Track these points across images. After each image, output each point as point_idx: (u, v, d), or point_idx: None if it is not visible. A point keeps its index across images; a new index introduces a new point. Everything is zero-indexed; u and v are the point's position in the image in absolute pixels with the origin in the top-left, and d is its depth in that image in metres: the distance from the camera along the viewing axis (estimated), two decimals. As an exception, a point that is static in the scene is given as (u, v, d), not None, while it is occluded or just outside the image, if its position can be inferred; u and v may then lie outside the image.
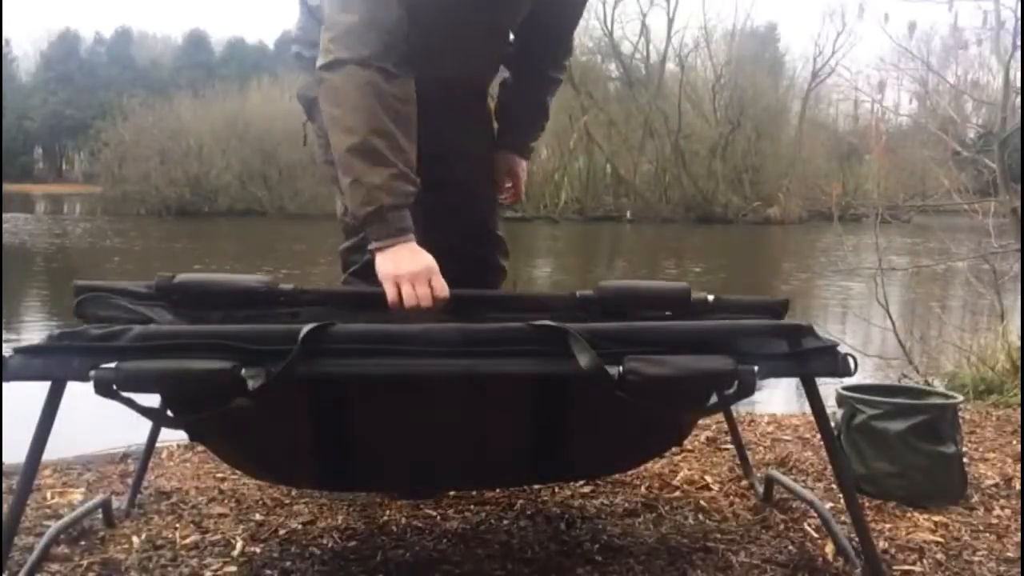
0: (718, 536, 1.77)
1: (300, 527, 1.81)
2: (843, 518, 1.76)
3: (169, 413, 1.42)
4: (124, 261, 14.47)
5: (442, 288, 1.52)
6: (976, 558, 1.70)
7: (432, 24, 1.61)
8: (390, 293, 1.50)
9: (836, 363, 1.31)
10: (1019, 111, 4.13)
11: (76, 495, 2.02)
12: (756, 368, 1.28)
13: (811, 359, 1.32)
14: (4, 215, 20.30)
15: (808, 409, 1.50)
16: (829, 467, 2.10)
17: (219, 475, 2.14)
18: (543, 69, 1.98)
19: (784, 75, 34.33)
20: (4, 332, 6.75)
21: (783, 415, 2.86)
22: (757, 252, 18.90)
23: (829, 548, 1.69)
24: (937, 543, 1.76)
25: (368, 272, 1.62)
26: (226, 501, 1.96)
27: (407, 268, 1.50)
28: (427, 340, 1.27)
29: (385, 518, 1.86)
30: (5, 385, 1.25)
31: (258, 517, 1.87)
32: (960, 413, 2.24)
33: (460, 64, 1.77)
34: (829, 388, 2.12)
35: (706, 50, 31.16)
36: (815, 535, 1.78)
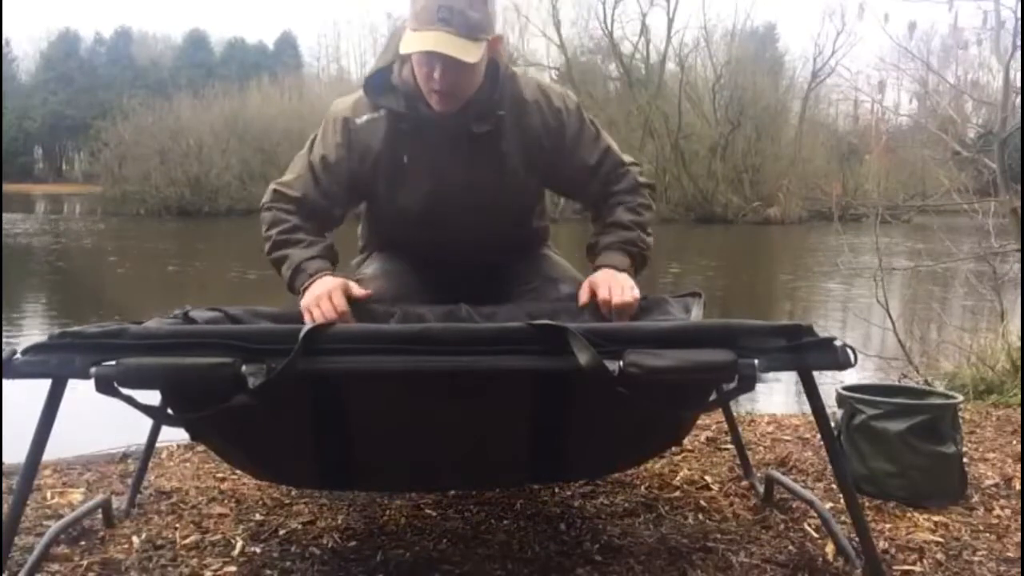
0: (718, 536, 1.77)
1: (300, 527, 1.81)
2: (843, 518, 1.76)
3: (169, 411, 1.42)
4: (123, 261, 14.47)
5: (340, 303, 1.77)
6: (976, 558, 1.70)
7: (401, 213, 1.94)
8: (306, 318, 1.75)
9: (835, 355, 1.31)
10: (1019, 111, 4.13)
11: (76, 495, 2.02)
12: (756, 362, 1.28)
13: (809, 352, 1.31)
14: (4, 215, 20.32)
15: (808, 409, 1.50)
16: (829, 467, 2.10)
17: (219, 475, 2.14)
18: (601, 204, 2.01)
19: (784, 75, 34.28)
20: (3, 331, 6.75)
21: (783, 415, 2.86)
22: (756, 252, 18.90)
23: (829, 548, 1.69)
24: (937, 543, 1.76)
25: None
26: (226, 501, 1.96)
27: (313, 294, 1.77)
28: (428, 340, 1.27)
29: (385, 518, 1.86)
30: (5, 385, 1.25)
31: (258, 517, 1.87)
32: (960, 413, 2.24)
33: (453, 232, 1.94)
34: (829, 388, 2.12)
35: (706, 50, 31.15)
36: (815, 535, 1.78)
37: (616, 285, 1.83)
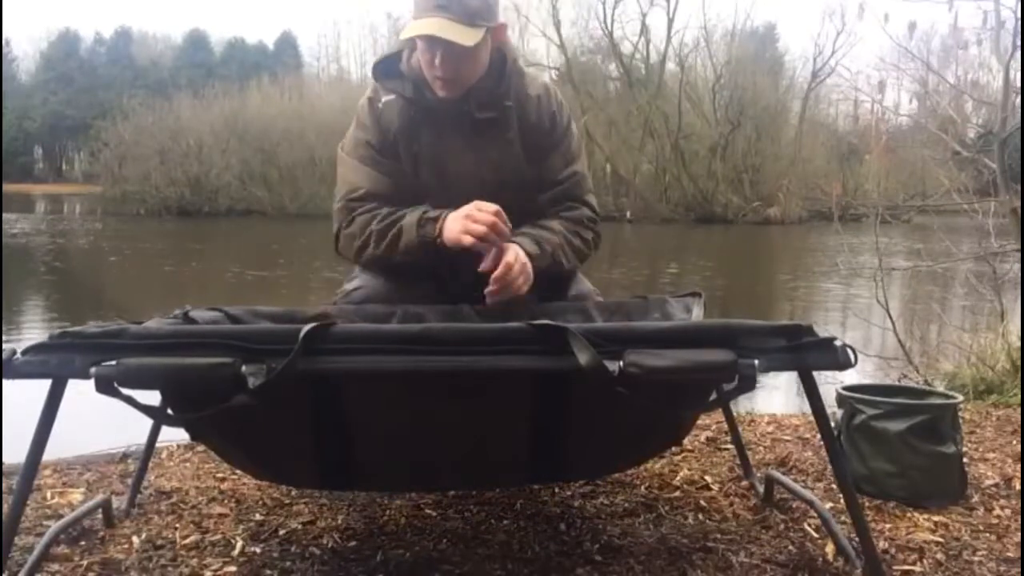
0: (718, 536, 1.77)
1: (300, 527, 1.81)
2: (843, 518, 1.76)
3: (169, 411, 1.42)
4: (123, 261, 14.48)
5: (488, 206, 1.77)
6: (976, 558, 1.70)
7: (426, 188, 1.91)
8: (467, 242, 1.76)
9: (835, 355, 1.31)
10: (1019, 111, 4.13)
11: (76, 495, 2.02)
12: (756, 362, 1.28)
13: (810, 352, 1.31)
14: (4, 215, 20.33)
15: (808, 409, 1.50)
16: (829, 467, 2.10)
17: (219, 475, 2.14)
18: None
19: (784, 75, 34.32)
20: (3, 331, 6.75)
21: (783, 415, 2.86)
22: (756, 252, 18.90)
23: (829, 548, 1.69)
24: (937, 543, 1.76)
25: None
26: (226, 501, 1.96)
27: (457, 218, 1.77)
28: (428, 340, 1.27)
29: (385, 518, 1.86)
30: (5, 385, 1.25)
31: (258, 517, 1.87)
32: (960, 413, 2.24)
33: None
34: (829, 388, 2.11)
35: (706, 50, 31.19)
36: (815, 535, 1.78)
37: (520, 261, 1.77)
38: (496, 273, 1.76)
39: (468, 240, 1.75)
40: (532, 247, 1.84)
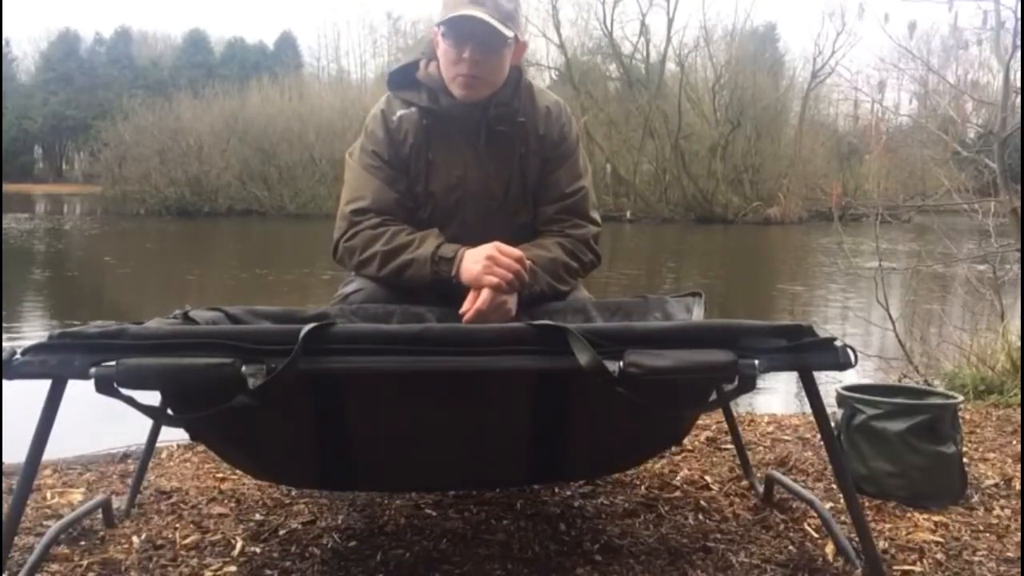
0: (718, 536, 1.77)
1: (300, 527, 1.81)
2: (843, 518, 1.76)
3: (169, 411, 1.42)
4: (123, 261, 14.47)
5: (510, 250, 1.76)
6: (976, 558, 1.70)
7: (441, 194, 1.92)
8: (490, 284, 1.73)
9: (835, 355, 1.31)
10: (1019, 111, 4.13)
11: (76, 495, 2.02)
12: (756, 362, 1.28)
13: (810, 352, 1.31)
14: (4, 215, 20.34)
15: (808, 409, 1.50)
16: (829, 467, 2.10)
17: (219, 475, 2.14)
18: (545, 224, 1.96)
19: (784, 75, 34.31)
20: (3, 331, 6.76)
21: (783, 415, 2.86)
22: (756, 252, 18.90)
23: (829, 548, 1.69)
24: (937, 543, 1.76)
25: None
26: (226, 501, 1.96)
27: (479, 265, 1.74)
28: (428, 340, 1.27)
29: (385, 518, 1.86)
30: (5, 384, 1.25)
31: (258, 517, 1.87)
32: (960, 413, 2.24)
33: (463, 240, 1.85)
34: (829, 388, 2.11)
35: (706, 50, 31.17)
36: (815, 535, 1.78)
37: (494, 304, 1.74)
38: (467, 316, 1.74)
39: (490, 282, 1.73)
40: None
